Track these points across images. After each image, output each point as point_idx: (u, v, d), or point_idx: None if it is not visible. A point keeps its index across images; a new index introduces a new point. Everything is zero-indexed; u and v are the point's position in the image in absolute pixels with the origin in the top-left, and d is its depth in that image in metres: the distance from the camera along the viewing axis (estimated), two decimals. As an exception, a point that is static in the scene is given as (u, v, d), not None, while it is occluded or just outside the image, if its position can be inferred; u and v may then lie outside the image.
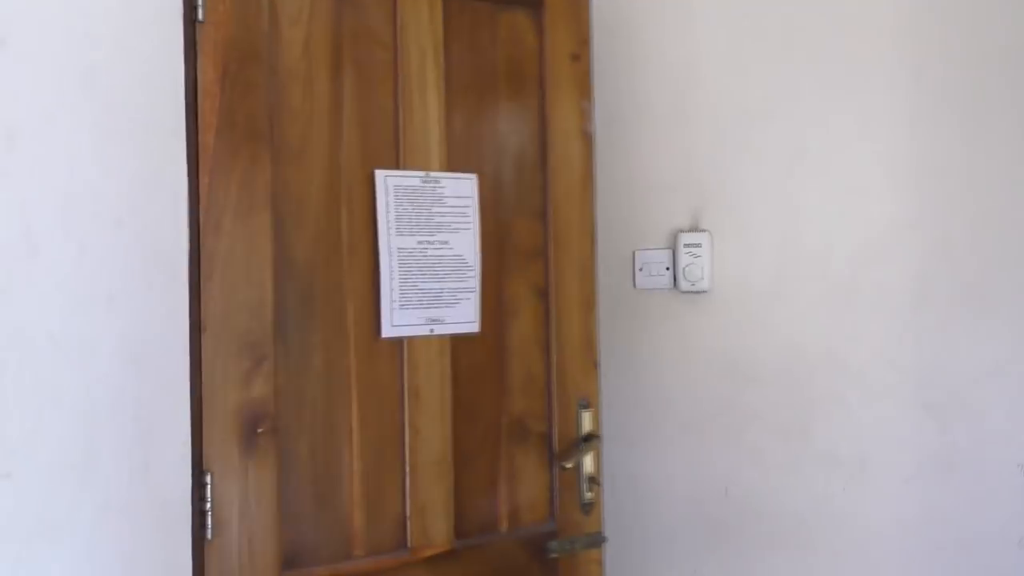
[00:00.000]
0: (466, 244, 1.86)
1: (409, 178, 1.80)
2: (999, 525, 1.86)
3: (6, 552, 1.36)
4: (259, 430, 1.64)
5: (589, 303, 2.05)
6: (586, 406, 2.02)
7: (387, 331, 1.77)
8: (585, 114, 2.05)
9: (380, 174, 1.78)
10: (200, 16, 1.59)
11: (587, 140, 2.05)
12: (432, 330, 1.82)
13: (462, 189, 1.87)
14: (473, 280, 1.87)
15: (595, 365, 2.05)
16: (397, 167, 1.80)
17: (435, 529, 1.82)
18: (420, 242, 1.81)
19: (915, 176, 1.95)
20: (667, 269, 2.21)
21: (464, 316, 1.86)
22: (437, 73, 1.85)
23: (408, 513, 1.80)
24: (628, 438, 2.26)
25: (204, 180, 1.59)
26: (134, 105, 1.52)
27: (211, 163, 1.60)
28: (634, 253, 2.27)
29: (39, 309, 1.41)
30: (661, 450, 2.24)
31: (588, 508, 2.02)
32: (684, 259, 2.16)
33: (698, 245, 2.15)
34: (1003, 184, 1.87)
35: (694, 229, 2.17)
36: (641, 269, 2.25)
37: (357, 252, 1.76)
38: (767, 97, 2.08)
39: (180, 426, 1.57)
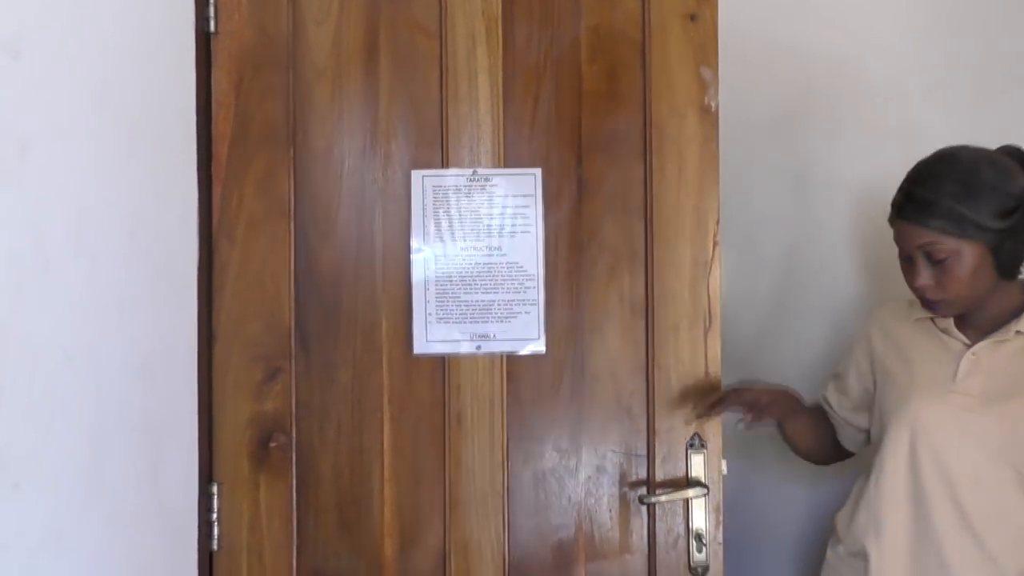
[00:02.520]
0: (525, 249, 1.62)
1: (452, 177, 1.62)
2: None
3: (13, 562, 1.39)
4: (272, 444, 1.60)
5: (707, 317, 1.65)
6: (699, 446, 1.63)
7: (420, 347, 1.61)
8: (705, 84, 1.65)
9: (416, 174, 1.62)
10: (212, 28, 1.59)
11: (709, 116, 1.65)
12: (479, 347, 1.62)
13: (521, 186, 1.62)
14: (534, 291, 1.62)
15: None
16: (441, 166, 1.63)
17: (481, 571, 1.62)
18: (464, 248, 1.62)
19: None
20: None
21: (523, 333, 1.62)
22: (492, 56, 1.63)
23: (448, 549, 1.62)
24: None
25: (217, 191, 1.60)
26: (146, 117, 1.56)
27: (224, 173, 1.60)
28: None
29: (50, 320, 1.50)
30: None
31: (701, 572, 1.63)
32: None
33: None
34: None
35: None
36: None
37: (393, 260, 1.63)
38: (774, 114, 2.09)
39: (189, 437, 1.59)
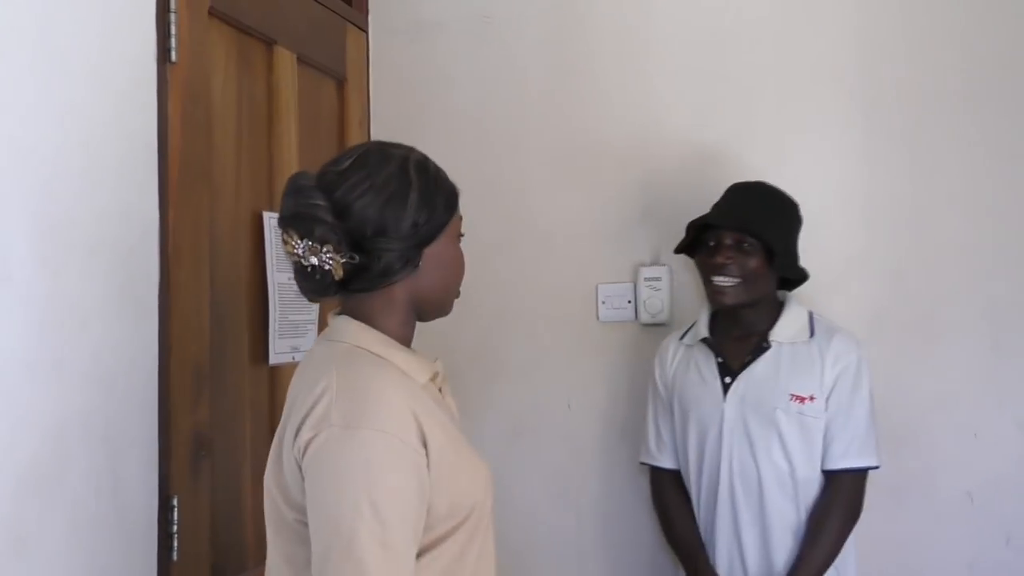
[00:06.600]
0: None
1: (282, 220, 2.00)
2: (949, 551, 1.95)
3: (-26, 569, 1.33)
4: (202, 452, 1.72)
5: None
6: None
7: (273, 359, 1.95)
8: (367, 171, 2.40)
9: (266, 215, 1.95)
10: (174, 58, 1.66)
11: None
12: (293, 357, 2.04)
13: (309, 232, 2.10)
14: (315, 312, 2.12)
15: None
16: (272, 208, 1.99)
17: (294, 536, 2.02)
18: (289, 278, 2.01)
19: (867, 210, 2.02)
20: (629, 302, 2.28)
21: (307, 343, 2.10)
22: (294, 128, 2.08)
23: (278, 523, 1.97)
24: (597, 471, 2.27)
25: (171, 213, 1.65)
26: (110, 139, 1.55)
27: (176, 196, 1.66)
28: (597, 287, 2.29)
29: (12, 331, 1.38)
30: (630, 480, 2.25)
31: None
32: (645, 292, 2.24)
33: (658, 279, 2.23)
34: (951, 218, 1.96)
35: (655, 263, 2.25)
36: (604, 302, 2.29)
37: (251, 285, 1.91)
38: (725, 137, 2.17)
39: (150, 450, 1.61)
